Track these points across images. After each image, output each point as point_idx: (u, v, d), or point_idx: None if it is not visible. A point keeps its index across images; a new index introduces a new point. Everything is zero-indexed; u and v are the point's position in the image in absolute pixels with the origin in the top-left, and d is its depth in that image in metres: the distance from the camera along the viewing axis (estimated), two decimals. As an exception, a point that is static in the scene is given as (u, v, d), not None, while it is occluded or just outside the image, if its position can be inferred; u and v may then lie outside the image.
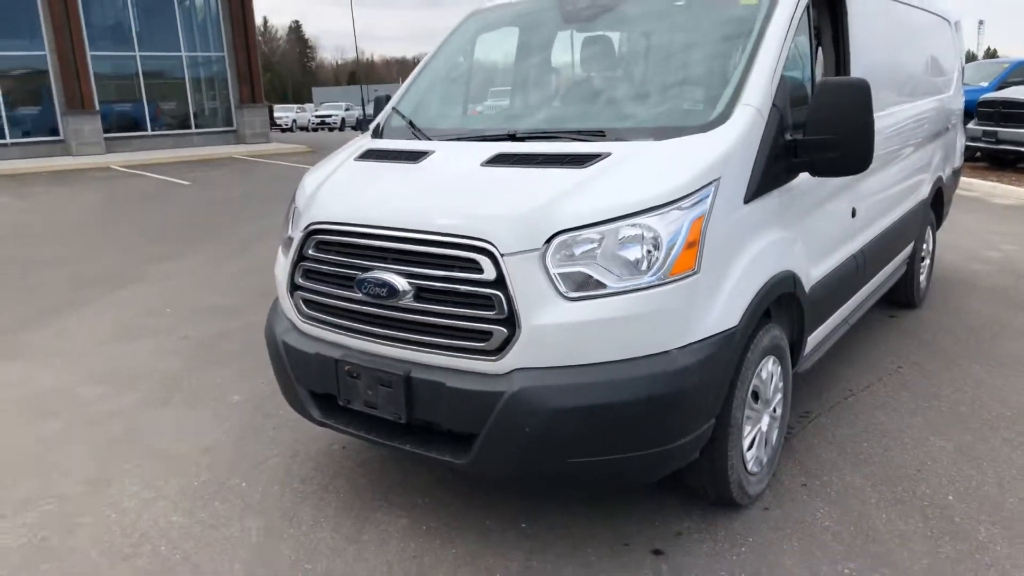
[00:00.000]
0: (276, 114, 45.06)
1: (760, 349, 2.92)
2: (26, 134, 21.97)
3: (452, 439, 2.72)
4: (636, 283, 2.49)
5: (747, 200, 2.79)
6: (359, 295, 2.76)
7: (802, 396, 4.13)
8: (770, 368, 3.08)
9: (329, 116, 45.20)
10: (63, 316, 6.14)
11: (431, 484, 3.33)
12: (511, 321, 2.49)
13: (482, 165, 2.89)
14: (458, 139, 3.30)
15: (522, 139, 3.10)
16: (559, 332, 2.48)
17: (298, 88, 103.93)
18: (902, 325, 5.34)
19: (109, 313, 6.20)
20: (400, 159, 3.18)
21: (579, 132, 3.02)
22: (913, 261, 5.41)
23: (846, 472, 3.36)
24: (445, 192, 2.82)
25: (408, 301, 2.66)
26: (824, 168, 2.98)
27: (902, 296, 5.57)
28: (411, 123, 3.52)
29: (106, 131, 22.84)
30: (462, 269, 2.56)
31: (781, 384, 3.23)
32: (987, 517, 2.98)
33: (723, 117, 2.84)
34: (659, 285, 2.50)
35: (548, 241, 2.50)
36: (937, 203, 5.82)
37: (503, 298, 2.49)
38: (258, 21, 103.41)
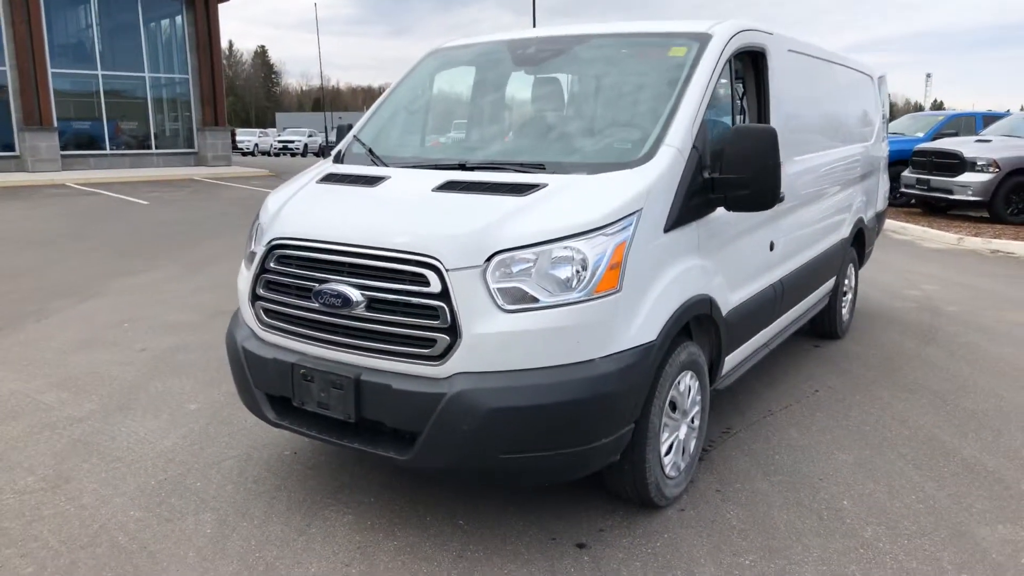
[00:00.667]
0: (238, 138, 45.04)
1: (678, 363, 3.26)
2: (-20, 148, 21.74)
3: (396, 438, 2.99)
4: (565, 299, 2.81)
5: (667, 229, 3.15)
6: (316, 304, 3.03)
7: (725, 414, 4.48)
8: (688, 382, 3.42)
9: (292, 142, 45.25)
10: (24, 327, 6.25)
11: (377, 487, 3.58)
12: (453, 330, 2.79)
13: (433, 190, 3.20)
14: (413, 167, 3.61)
15: (471, 168, 3.43)
16: (496, 340, 2.78)
17: (262, 112, 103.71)
18: (824, 354, 5.76)
19: (70, 325, 6.32)
20: (358, 183, 3.47)
21: (522, 164, 3.36)
22: (835, 295, 5.86)
23: (757, 480, 3.70)
24: (398, 213, 3.12)
25: (360, 311, 2.94)
26: (737, 204, 3.36)
27: (825, 327, 6.01)
28: (370, 151, 3.83)
29: (64, 148, 22.76)
30: (411, 282, 2.86)
31: (699, 398, 3.57)
32: (875, 519, 3.33)
33: (648, 156, 3.21)
34: (585, 301, 2.82)
35: (488, 259, 2.81)
36: (859, 242, 6.31)
37: (447, 309, 2.79)
38: (224, 44, 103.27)
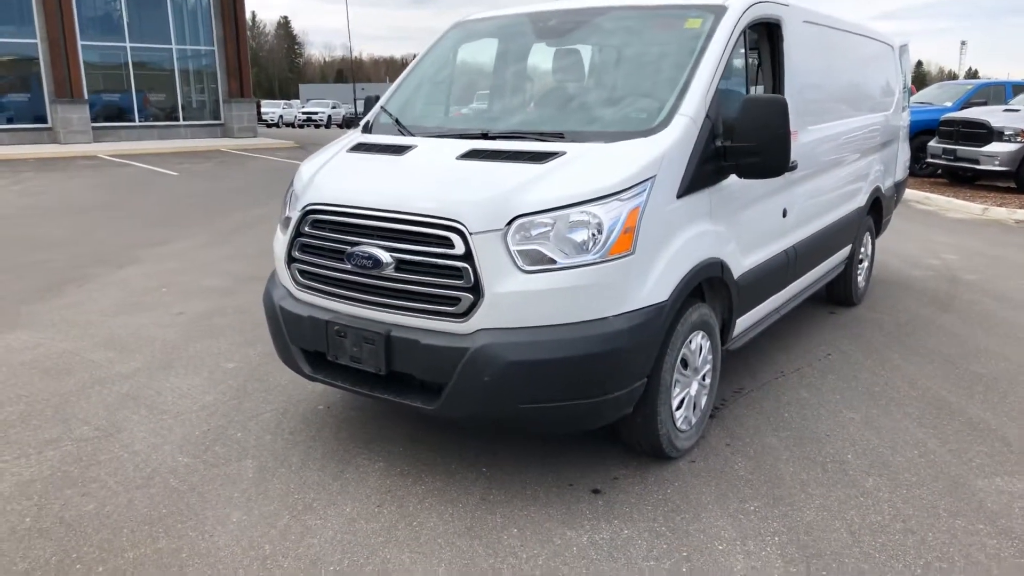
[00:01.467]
0: (263, 109, 45.35)
1: (689, 323, 3.44)
2: (14, 121, 22.20)
3: (424, 390, 3.21)
4: (581, 260, 2.99)
5: (680, 195, 3.31)
6: (348, 266, 3.25)
7: (738, 375, 4.66)
8: (699, 341, 3.60)
9: (316, 113, 45.54)
10: (66, 292, 6.56)
11: (404, 438, 3.82)
12: (476, 289, 2.99)
13: (457, 158, 3.38)
14: (439, 136, 3.79)
15: (494, 138, 3.60)
16: (516, 299, 2.98)
17: (285, 84, 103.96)
18: (839, 320, 5.89)
19: (109, 291, 6.62)
20: (387, 151, 3.66)
21: (542, 134, 3.52)
22: (851, 263, 5.97)
23: (766, 435, 3.88)
24: (424, 180, 3.31)
25: (390, 271, 3.14)
26: (748, 171, 3.51)
27: (841, 294, 6.13)
28: (397, 121, 4.01)
29: (94, 120, 23.14)
30: (437, 244, 3.06)
31: (711, 357, 3.75)
32: (876, 471, 3.51)
33: (663, 125, 3.36)
34: (600, 263, 3.00)
35: (509, 223, 3.00)
36: (876, 211, 6.39)
37: (470, 270, 2.99)
38: (247, 15, 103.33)
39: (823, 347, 5.26)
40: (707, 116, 3.45)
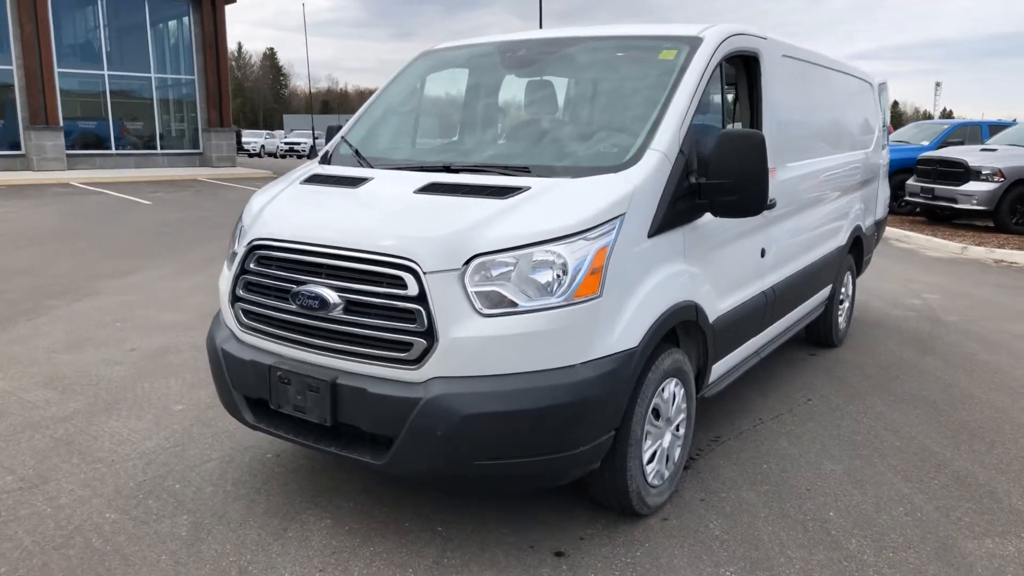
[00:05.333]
0: (244, 139, 45.14)
1: (661, 370, 3.21)
2: (-13, 147, 21.86)
3: (373, 442, 2.95)
4: (544, 303, 2.77)
5: (651, 234, 3.11)
6: (293, 307, 3.00)
7: (715, 422, 4.43)
8: (672, 389, 3.37)
9: (298, 144, 45.35)
10: (16, 325, 6.24)
11: (357, 491, 3.54)
12: (430, 333, 2.75)
13: (415, 192, 3.17)
14: (398, 168, 3.58)
15: (456, 171, 3.39)
16: (474, 344, 2.74)
17: (270, 114, 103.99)
18: (819, 362, 5.70)
19: (62, 324, 6.31)
20: (341, 184, 3.44)
21: (506, 167, 3.32)
22: (832, 303, 5.80)
23: (743, 490, 3.64)
24: (378, 215, 3.08)
25: (338, 313, 2.90)
26: (723, 209, 3.32)
27: (821, 336, 5.95)
28: (357, 152, 3.80)
29: (69, 148, 22.84)
30: (388, 285, 2.82)
31: (684, 405, 3.52)
32: (860, 531, 3.28)
33: (634, 160, 3.17)
34: (565, 306, 2.78)
35: (467, 262, 2.77)
36: (856, 250, 6.24)
37: (424, 312, 2.75)
38: (232, 46, 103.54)
39: (803, 392, 5.05)
40: (681, 151, 3.26)
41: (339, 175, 3.57)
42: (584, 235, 2.85)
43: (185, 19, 25.47)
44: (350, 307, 2.89)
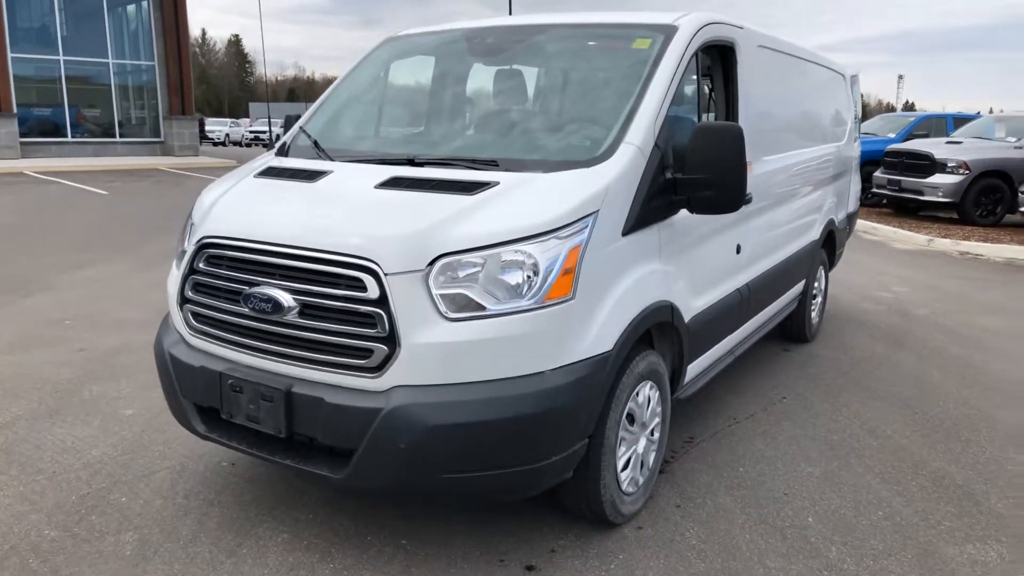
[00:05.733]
0: (208, 128, 44.20)
1: (636, 374, 3.07)
2: (-65, 134, 21.05)
3: (331, 454, 2.76)
4: (513, 306, 2.61)
5: (626, 232, 2.96)
6: (245, 310, 2.80)
7: (688, 422, 4.32)
8: (647, 393, 3.24)
9: (264, 132, 44.52)
10: (-45, 324, 5.92)
11: (318, 502, 3.35)
12: (392, 339, 2.57)
13: (376, 187, 2.98)
14: (359, 161, 3.38)
15: (420, 164, 3.21)
16: (438, 351, 2.57)
17: (235, 102, 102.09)
18: (793, 358, 5.62)
19: (8, 323, 6.00)
20: (297, 178, 3.24)
21: (474, 161, 3.15)
22: (805, 298, 5.72)
23: (720, 495, 3.53)
24: (336, 211, 2.89)
25: (293, 317, 2.71)
26: (701, 206, 3.18)
27: (794, 331, 5.87)
28: (316, 143, 3.59)
29: (23, 135, 22.09)
30: (346, 287, 2.64)
31: (660, 409, 3.39)
32: (840, 538, 3.18)
33: (607, 154, 3.01)
34: (535, 309, 2.62)
35: (431, 263, 2.60)
36: (829, 244, 6.18)
37: (385, 317, 2.57)
38: (196, 33, 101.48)
39: (777, 389, 4.96)
40: (656, 145, 3.12)
41: (296, 168, 3.36)
42: (556, 234, 2.69)
43: (144, 3, 24.75)
44: (306, 310, 2.70)
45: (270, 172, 3.38)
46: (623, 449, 3.12)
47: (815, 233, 5.63)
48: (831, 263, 6.44)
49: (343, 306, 2.64)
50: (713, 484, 3.63)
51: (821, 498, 3.52)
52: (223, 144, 44.35)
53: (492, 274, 2.62)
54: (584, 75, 3.63)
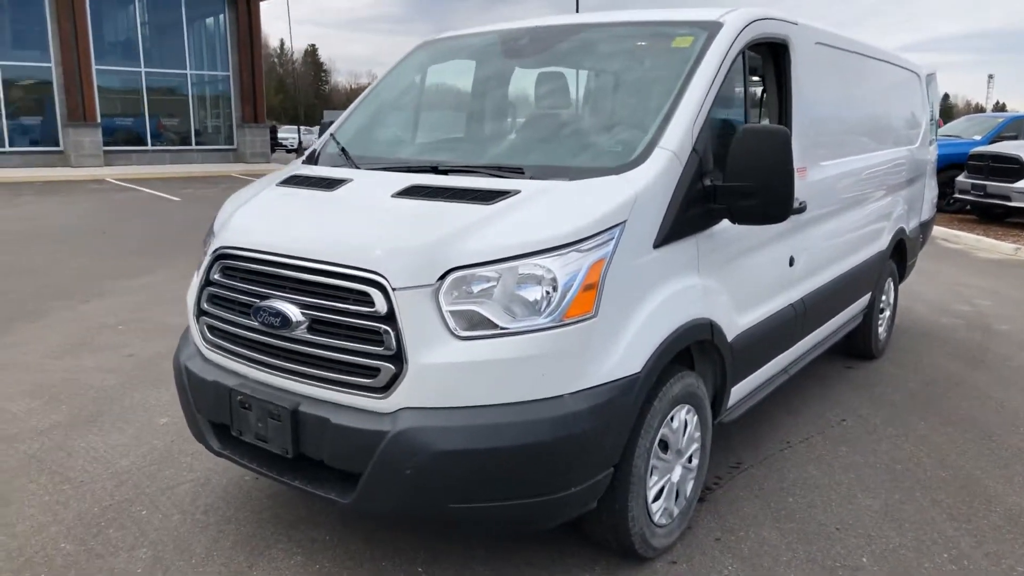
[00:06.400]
0: (280, 135, 45.37)
1: (670, 398, 2.84)
2: (27, 143, 22.15)
3: (342, 477, 2.63)
4: (529, 324, 2.42)
5: (658, 244, 2.74)
6: (255, 324, 2.70)
7: (736, 445, 4.04)
8: (683, 417, 3.00)
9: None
10: (14, 329, 6.08)
11: (335, 522, 3.24)
12: (399, 358, 2.43)
13: (392, 196, 2.84)
14: (384, 168, 3.25)
15: (444, 172, 3.06)
16: (447, 372, 2.41)
17: (311, 110, 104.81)
18: (856, 377, 5.25)
19: (65, 327, 6.14)
20: (317, 187, 3.13)
21: (499, 168, 2.98)
22: (871, 312, 5.34)
23: (764, 527, 3.25)
24: (348, 222, 2.77)
25: (301, 332, 2.59)
26: (742, 215, 2.93)
27: (859, 347, 5.49)
28: (343, 150, 3.48)
29: (107, 144, 23.02)
30: (355, 302, 2.50)
31: (698, 434, 3.15)
32: (897, 583, 2.88)
33: (639, 160, 2.80)
34: (553, 328, 2.43)
35: (442, 277, 2.44)
36: (899, 254, 5.77)
37: (392, 334, 2.43)
38: (274, 43, 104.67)
39: (837, 410, 4.62)
40: (694, 150, 2.88)
41: (318, 176, 3.26)
42: (577, 246, 2.49)
43: (220, 16, 25.54)
44: (314, 326, 2.58)
45: (292, 180, 3.29)
46: (655, 478, 2.90)
47: (883, 243, 5.24)
48: (901, 275, 6.01)
49: (351, 322, 2.50)
50: (759, 515, 3.36)
51: (879, 535, 3.21)
52: (296, 151, 45.49)
53: (507, 290, 2.44)
54: (621, 77, 3.43)
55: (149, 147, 24.54)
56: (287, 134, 46.80)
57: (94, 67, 22.65)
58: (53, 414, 4.35)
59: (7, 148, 21.69)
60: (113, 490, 3.49)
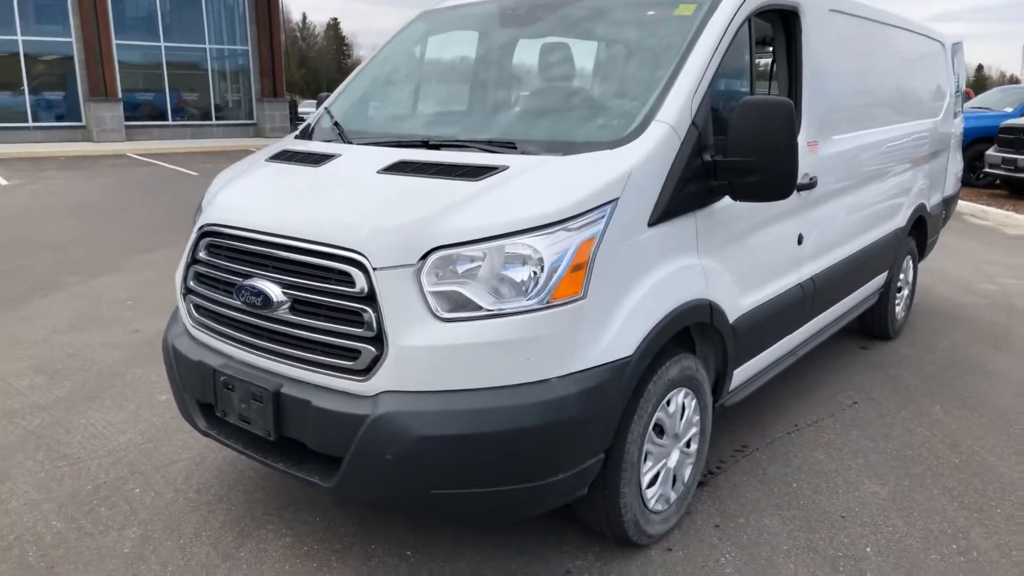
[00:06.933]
0: (301, 109, 45.34)
1: (666, 380, 2.75)
2: (49, 119, 22.32)
3: (324, 460, 2.58)
4: (514, 306, 2.34)
5: (653, 223, 2.63)
6: (238, 303, 2.64)
7: (742, 428, 3.94)
8: (680, 401, 2.91)
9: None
10: (28, 303, 6.11)
11: (330, 504, 3.19)
12: (380, 340, 2.36)
13: (378, 172, 2.75)
14: (375, 143, 3.16)
15: (434, 147, 2.96)
16: (429, 354, 2.34)
17: (333, 84, 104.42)
18: (870, 357, 5.10)
19: (73, 303, 6.16)
20: (306, 162, 3.05)
21: (490, 142, 2.87)
22: (887, 292, 5.18)
23: (766, 514, 3.16)
24: (330, 199, 2.69)
25: (283, 312, 2.53)
26: (744, 192, 2.80)
27: (875, 327, 5.34)
28: (336, 124, 3.39)
29: (128, 119, 23.14)
30: (335, 282, 2.43)
31: (697, 418, 3.05)
32: (902, 574, 2.77)
33: (634, 134, 2.68)
34: (539, 310, 2.34)
35: (424, 257, 2.36)
36: (919, 232, 5.58)
37: (373, 315, 2.35)
38: (297, 17, 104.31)
39: (848, 392, 4.49)
40: (693, 124, 2.76)
41: (305, 151, 3.18)
42: (565, 225, 2.39)
43: (240, -11, 25.45)
44: (296, 306, 2.52)
45: (281, 156, 3.21)
46: (650, 464, 2.81)
47: (900, 220, 5.06)
48: (921, 253, 5.82)
49: (331, 302, 2.43)
50: (761, 502, 3.27)
51: (885, 524, 3.11)
52: (317, 126, 45.44)
53: (494, 270, 2.35)
54: (620, 47, 3.29)
55: (170, 122, 24.63)
56: (308, 108, 46.81)
57: (114, 42, 22.70)
58: (56, 389, 4.36)
59: (31, 123, 21.88)
60: (108, 468, 3.48)
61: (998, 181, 13.46)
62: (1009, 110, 14.94)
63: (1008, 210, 11.56)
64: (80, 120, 22.53)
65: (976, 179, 13.90)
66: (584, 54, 3.45)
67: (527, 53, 3.58)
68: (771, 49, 3.56)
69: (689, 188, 2.76)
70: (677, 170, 2.69)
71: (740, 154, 2.73)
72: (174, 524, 3.04)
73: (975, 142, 13.53)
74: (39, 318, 5.72)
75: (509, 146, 2.81)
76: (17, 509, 3.13)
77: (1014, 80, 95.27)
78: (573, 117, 3.06)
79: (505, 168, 2.58)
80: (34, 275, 7.03)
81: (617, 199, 2.49)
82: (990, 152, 13.09)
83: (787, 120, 2.67)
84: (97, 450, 3.64)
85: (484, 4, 3.84)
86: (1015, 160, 12.44)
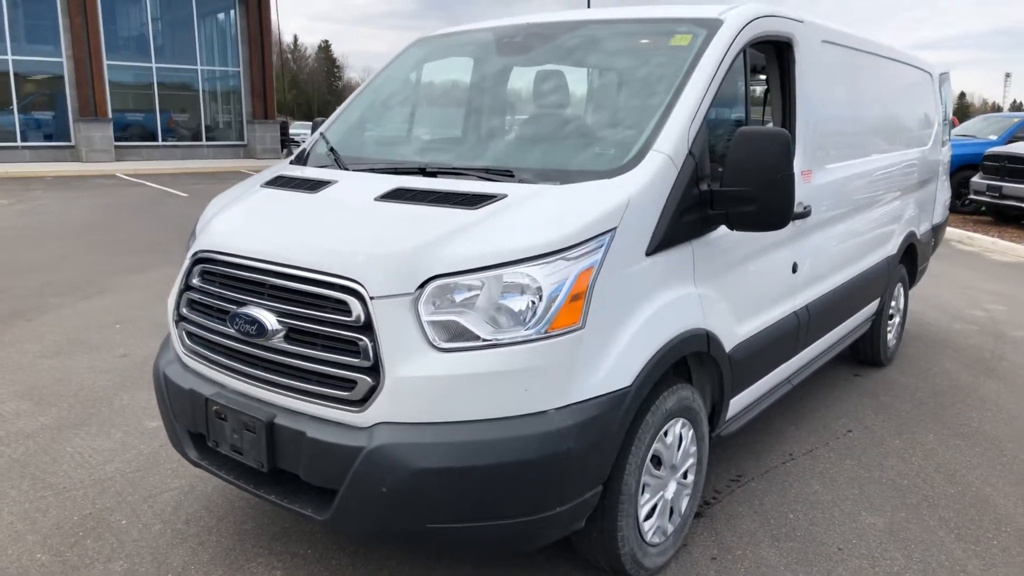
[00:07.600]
0: (292, 131, 45.45)
1: (663, 411, 2.73)
2: (38, 138, 22.21)
3: (318, 492, 2.53)
4: (512, 336, 2.32)
5: (651, 252, 2.62)
6: (232, 331, 2.61)
7: (737, 456, 3.92)
8: (678, 431, 2.89)
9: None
10: (13, 326, 6.03)
11: (319, 536, 3.14)
12: (376, 370, 2.33)
13: (375, 199, 2.74)
14: (369, 170, 3.15)
15: (431, 174, 2.96)
16: (426, 385, 2.31)
17: (324, 106, 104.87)
18: (864, 385, 5.10)
19: (60, 325, 6.08)
20: (301, 188, 3.04)
21: (488, 170, 2.87)
22: (879, 319, 5.20)
23: (763, 546, 3.13)
24: (327, 227, 2.66)
25: (278, 341, 2.50)
26: (740, 222, 2.81)
27: (867, 354, 5.35)
28: (331, 150, 3.38)
29: (118, 139, 23.05)
30: (331, 311, 2.40)
31: (694, 449, 3.03)
32: (900, 609, 2.75)
33: (632, 163, 2.68)
34: (537, 340, 2.32)
35: (422, 286, 2.34)
36: (909, 259, 5.61)
37: (369, 344, 2.33)
38: (288, 39, 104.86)
39: (843, 421, 4.48)
40: (690, 153, 2.76)
41: (301, 177, 3.16)
42: (564, 254, 2.38)
43: (231, 12, 25.52)
44: (291, 335, 2.49)
45: (276, 182, 3.19)
46: (647, 496, 2.78)
47: (892, 247, 5.09)
48: (912, 280, 5.86)
49: (327, 331, 2.40)
50: (757, 533, 3.24)
51: (882, 556, 3.08)
52: (307, 147, 45.47)
53: (490, 299, 2.33)
54: (616, 76, 3.31)
55: (160, 143, 24.56)
56: (299, 130, 46.89)
57: (105, 62, 22.66)
58: (42, 416, 4.28)
59: (19, 143, 21.75)
60: (95, 498, 3.41)
61: (983, 208, 13.61)
62: (993, 138, 15.16)
63: (993, 236, 11.69)
64: (69, 140, 22.42)
65: (962, 205, 14.05)
66: (581, 83, 3.46)
67: (523, 82, 3.59)
68: (765, 78, 3.59)
69: (686, 217, 2.76)
70: (674, 200, 2.69)
71: (736, 184, 2.74)
72: (161, 557, 2.97)
73: (961, 169, 13.69)
74: (25, 342, 5.64)
75: (507, 174, 2.81)
76: (1, 541, 3.05)
77: (996, 108, 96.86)
78: (571, 146, 3.07)
79: (503, 196, 2.57)
80: (20, 297, 6.95)
81: (615, 228, 2.49)
82: (975, 179, 13.24)
83: (784, 150, 2.68)
84: (83, 479, 3.57)
85: (481, 31, 3.86)
86: (1000, 187, 12.59)
